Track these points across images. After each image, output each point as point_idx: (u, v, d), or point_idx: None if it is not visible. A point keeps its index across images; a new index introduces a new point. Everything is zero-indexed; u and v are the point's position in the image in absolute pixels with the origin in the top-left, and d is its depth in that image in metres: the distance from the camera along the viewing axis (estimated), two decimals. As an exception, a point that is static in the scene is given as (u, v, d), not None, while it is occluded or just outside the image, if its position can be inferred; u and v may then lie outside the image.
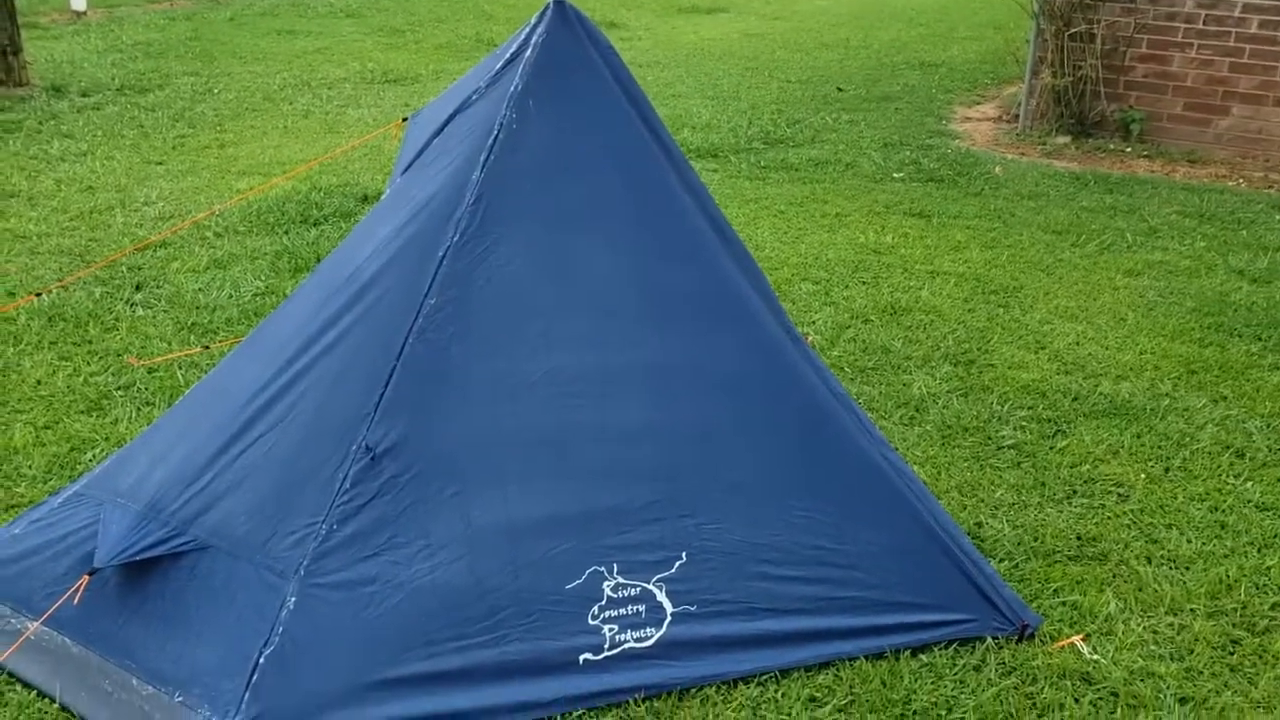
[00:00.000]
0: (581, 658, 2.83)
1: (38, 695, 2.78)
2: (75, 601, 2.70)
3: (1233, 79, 8.38)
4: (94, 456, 3.94)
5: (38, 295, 5.24)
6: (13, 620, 2.96)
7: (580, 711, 2.77)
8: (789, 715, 2.78)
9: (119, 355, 4.85)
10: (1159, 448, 4.20)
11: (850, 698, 2.84)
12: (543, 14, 3.02)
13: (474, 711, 2.73)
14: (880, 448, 3.14)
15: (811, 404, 3.09)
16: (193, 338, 5.05)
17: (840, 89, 10.87)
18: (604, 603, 2.86)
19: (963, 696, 2.85)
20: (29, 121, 9.35)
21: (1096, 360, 4.96)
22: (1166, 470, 4.04)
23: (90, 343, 4.99)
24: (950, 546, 3.09)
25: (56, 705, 2.76)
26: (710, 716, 2.77)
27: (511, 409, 2.90)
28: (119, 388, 4.53)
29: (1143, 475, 4.00)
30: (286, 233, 6.61)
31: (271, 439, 2.89)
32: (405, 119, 3.98)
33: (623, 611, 2.87)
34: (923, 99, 10.64)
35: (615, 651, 2.85)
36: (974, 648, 3.02)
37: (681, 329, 3.03)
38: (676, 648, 2.88)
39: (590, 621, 2.85)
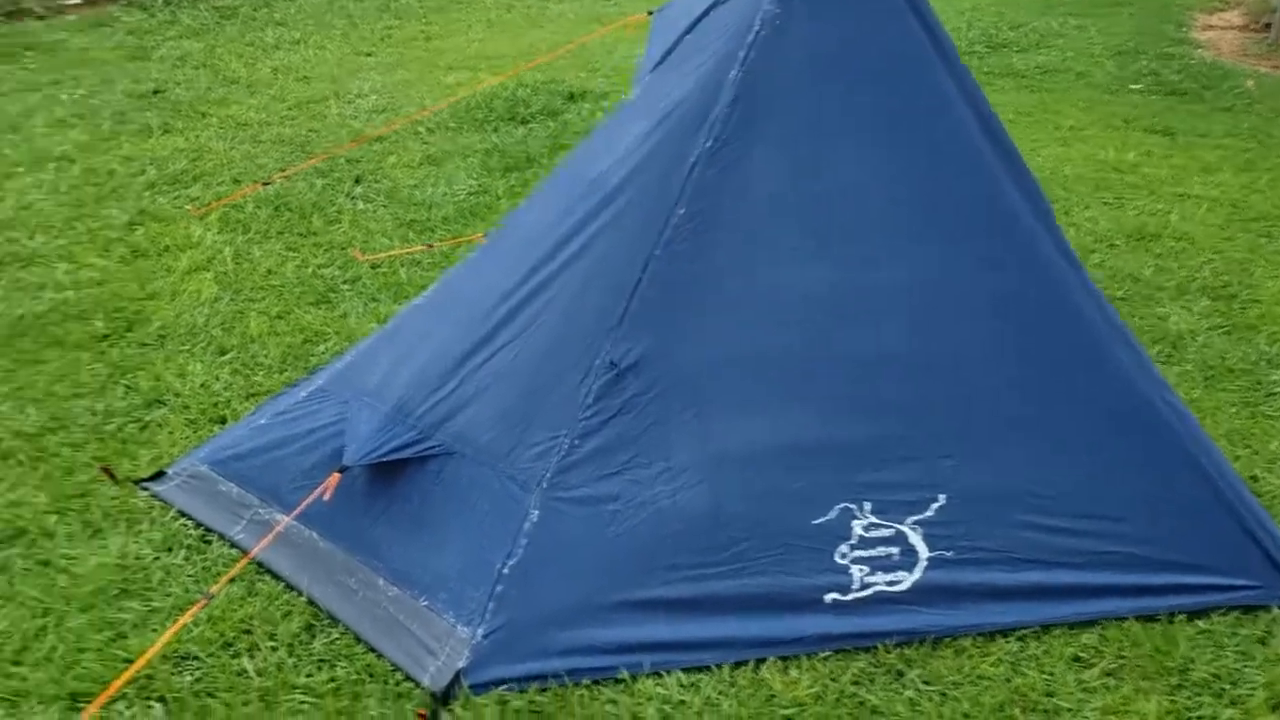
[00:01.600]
0: (828, 597, 2.69)
1: (285, 587, 2.82)
2: (326, 499, 2.70)
3: None
4: (326, 350, 3.98)
5: (265, 184, 5.32)
6: (261, 511, 3.01)
7: (827, 653, 2.64)
8: (1051, 674, 2.59)
9: (343, 249, 4.89)
10: None
11: (1120, 660, 2.62)
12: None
13: (712, 642, 2.64)
14: (1161, 390, 2.85)
15: (1087, 337, 2.81)
16: (412, 234, 5.06)
17: (1067, -10, 10.09)
18: (854, 542, 2.71)
19: (1248, 671, 2.60)
20: (244, 8, 9.55)
21: (1379, 301, 4.46)
22: None
23: (314, 234, 5.05)
24: (1234, 504, 2.80)
25: (304, 597, 2.78)
26: (966, 668, 2.60)
27: (757, 329, 2.74)
28: (345, 281, 4.56)
29: None
30: (495, 130, 6.56)
31: (515, 348, 2.81)
32: (650, 12, 3.78)
33: (874, 553, 2.71)
34: (1156, 4, 9.79)
35: (865, 594, 2.70)
36: (1256, 617, 2.75)
37: (947, 247, 2.79)
38: (932, 594, 2.71)
39: (838, 560, 2.70)
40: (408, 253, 4.76)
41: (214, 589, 2.68)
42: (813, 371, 2.74)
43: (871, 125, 2.79)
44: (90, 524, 3.06)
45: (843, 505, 2.71)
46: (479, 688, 2.53)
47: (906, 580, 2.72)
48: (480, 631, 2.57)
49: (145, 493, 3.18)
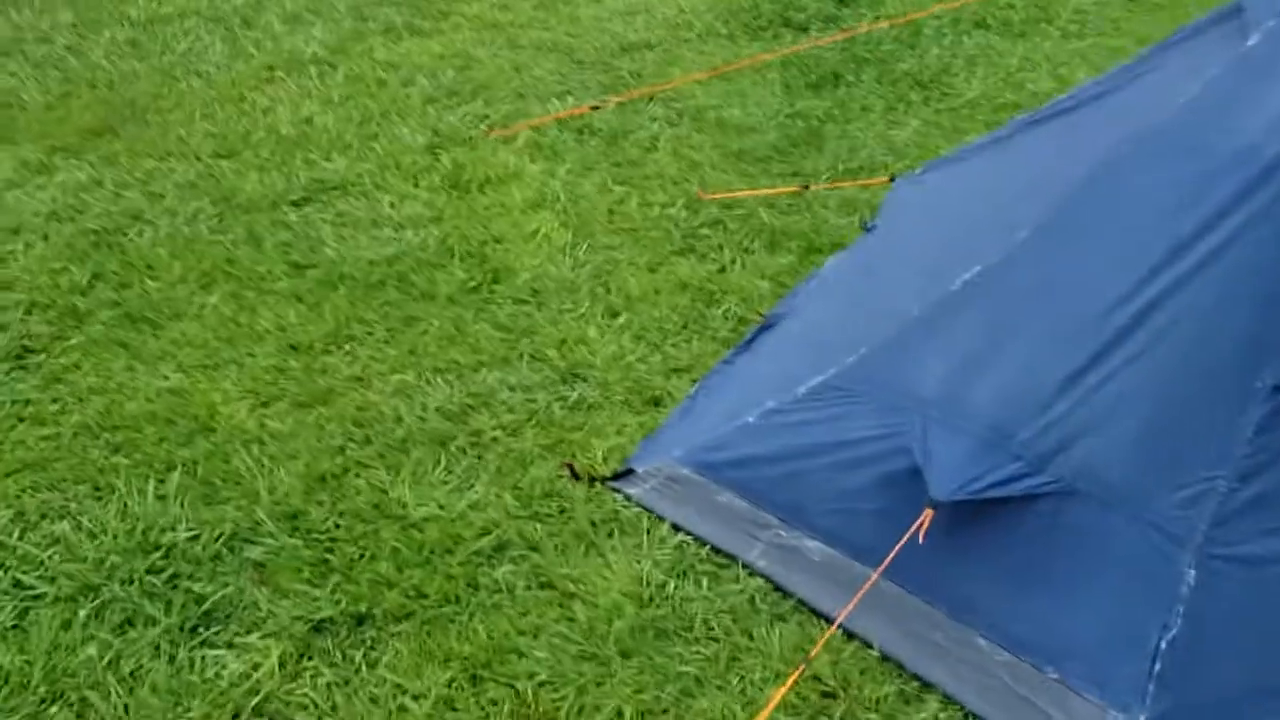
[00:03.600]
0: None
1: (845, 636, 2.38)
2: (920, 539, 2.25)
3: None
4: (725, 313, 3.51)
5: (595, 108, 4.80)
6: (784, 533, 2.58)
7: None
8: None
9: (676, 183, 4.37)
10: None
11: None
12: None
13: None
14: None
15: None
16: (746, 166, 4.52)
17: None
18: None
19: None
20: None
21: None
22: None
23: (635, 165, 4.52)
24: None
25: (875, 652, 2.35)
26: None
27: None
28: (702, 225, 4.05)
29: None
30: (775, 38, 5.93)
31: (1144, 365, 2.32)
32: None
33: None
34: None
35: None
36: None
37: None
38: None
39: None
40: (759, 194, 4.22)
41: (812, 653, 2.25)
42: None
43: None
44: (581, 536, 2.65)
45: None
46: (1151, 788, 2.10)
47: None
48: (1143, 718, 2.13)
49: (619, 495, 2.75)
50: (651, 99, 5.13)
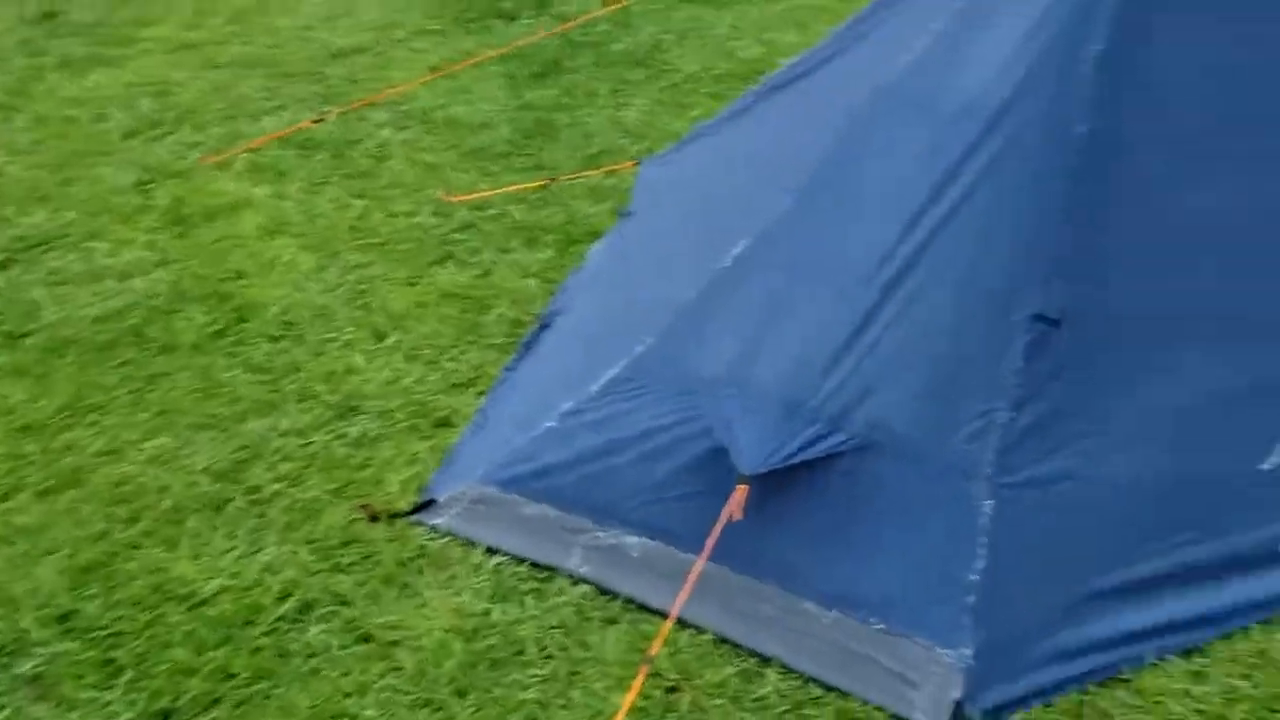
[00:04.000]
0: (1290, 542, 2.47)
1: (679, 625, 2.37)
2: (738, 516, 2.26)
3: None
4: (499, 318, 3.42)
5: (317, 121, 4.56)
6: (601, 535, 2.54)
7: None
8: None
9: (418, 190, 4.23)
10: None
11: None
12: None
13: (1197, 619, 2.38)
14: None
15: None
16: (487, 164, 4.44)
17: None
18: (1298, 479, 2.48)
19: None
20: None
21: None
22: None
23: (370, 176, 4.36)
24: None
25: (709, 635, 2.36)
26: None
27: (1189, 260, 2.45)
28: (455, 230, 3.94)
29: None
30: (487, 29, 5.86)
31: (916, 313, 2.42)
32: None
33: (1318, 486, 2.50)
34: None
35: (1321, 530, 2.49)
36: None
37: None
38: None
39: (1288, 501, 2.48)
40: (515, 190, 4.14)
41: (652, 650, 2.21)
42: (1245, 303, 2.47)
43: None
44: (391, 579, 2.50)
45: (1282, 441, 2.48)
46: (988, 717, 2.20)
47: (1351, 509, 2.52)
48: (968, 652, 2.23)
49: (424, 528, 2.63)
50: (373, 105, 4.94)
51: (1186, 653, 2.34)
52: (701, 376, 2.54)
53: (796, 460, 2.34)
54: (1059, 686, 2.26)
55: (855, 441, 2.37)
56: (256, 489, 2.76)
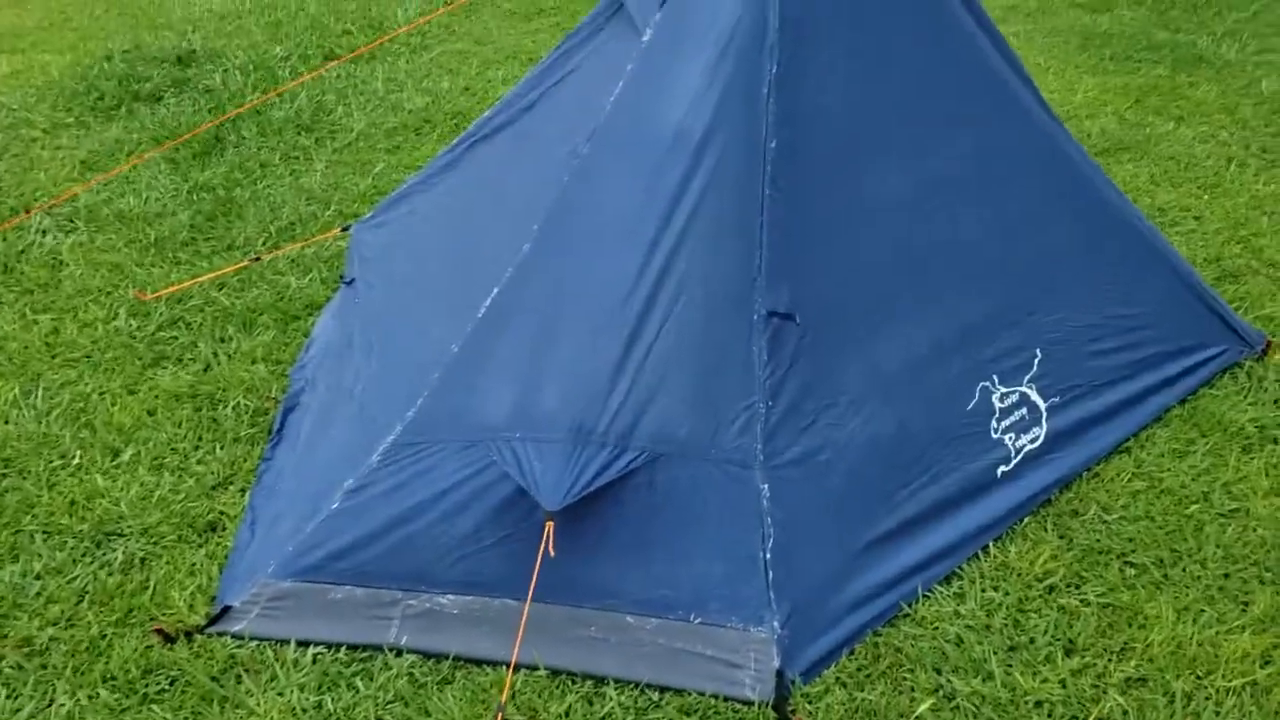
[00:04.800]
0: (999, 471, 2.91)
1: (516, 670, 2.47)
2: (551, 552, 2.39)
3: None
4: (233, 410, 3.33)
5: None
6: (414, 603, 2.58)
7: (1025, 519, 2.88)
8: (1172, 472, 3.03)
9: (109, 293, 4.02)
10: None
11: (1205, 440, 3.13)
12: None
13: (947, 548, 2.76)
14: (1137, 216, 3.34)
15: (1087, 184, 3.21)
16: (174, 253, 4.26)
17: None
18: (998, 414, 2.93)
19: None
20: None
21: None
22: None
23: (49, 287, 4.08)
24: (1199, 288, 3.39)
25: (542, 672, 2.47)
26: (1110, 493, 2.96)
27: (875, 240, 2.82)
28: (161, 329, 3.78)
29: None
30: (131, 114, 5.58)
31: (672, 329, 2.63)
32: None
33: (1014, 419, 2.96)
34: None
35: (1020, 457, 2.95)
36: (1239, 369, 3.39)
37: (990, 128, 3.01)
38: (1059, 439, 3.03)
39: (994, 436, 2.92)
40: (212, 278, 4.02)
41: (502, 698, 2.29)
42: (928, 266, 2.88)
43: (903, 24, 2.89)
44: (209, 697, 2.42)
45: (981, 385, 2.92)
46: (807, 677, 2.45)
47: (1039, 434, 3.01)
48: (777, 624, 2.47)
49: (227, 638, 2.56)
50: (28, 212, 4.60)
51: (947, 579, 2.71)
52: (485, 425, 2.63)
53: (600, 483, 2.49)
54: (858, 634, 2.56)
55: (645, 456, 2.55)
56: (29, 641, 2.57)
